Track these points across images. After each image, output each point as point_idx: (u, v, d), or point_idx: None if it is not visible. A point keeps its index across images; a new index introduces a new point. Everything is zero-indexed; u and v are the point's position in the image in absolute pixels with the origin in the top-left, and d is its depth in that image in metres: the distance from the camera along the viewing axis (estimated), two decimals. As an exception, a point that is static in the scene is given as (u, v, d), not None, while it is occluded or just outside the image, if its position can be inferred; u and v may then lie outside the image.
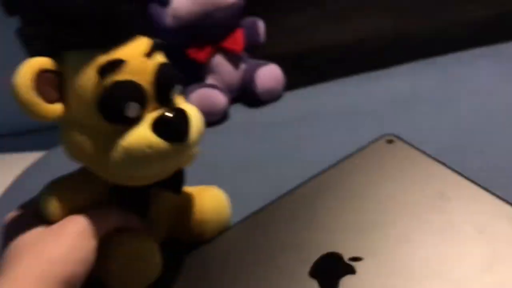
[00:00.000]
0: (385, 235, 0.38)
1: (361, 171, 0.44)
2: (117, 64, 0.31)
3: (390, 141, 0.47)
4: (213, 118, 0.62)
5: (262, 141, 0.58)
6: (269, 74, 0.65)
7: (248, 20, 0.68)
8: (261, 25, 0.68)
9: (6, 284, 0.30)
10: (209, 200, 0.41)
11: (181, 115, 0.32)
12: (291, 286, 0.35)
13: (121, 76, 0.31)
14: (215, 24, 0.62)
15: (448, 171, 0.42)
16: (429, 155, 0.44)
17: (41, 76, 0.30)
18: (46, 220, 0.34)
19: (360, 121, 0.56)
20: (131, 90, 0.31)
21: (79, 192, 0.35)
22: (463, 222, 0.37)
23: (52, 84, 0.31)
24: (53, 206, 0.33)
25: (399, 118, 0.55)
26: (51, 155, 0.66)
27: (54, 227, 0.33)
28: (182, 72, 0.35)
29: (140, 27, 0.33)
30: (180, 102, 0.35)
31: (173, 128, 0.32)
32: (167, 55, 0.35)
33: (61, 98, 0.32)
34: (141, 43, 0.33)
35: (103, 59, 0.31)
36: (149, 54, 0.32)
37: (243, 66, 0.67)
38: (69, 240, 0.32)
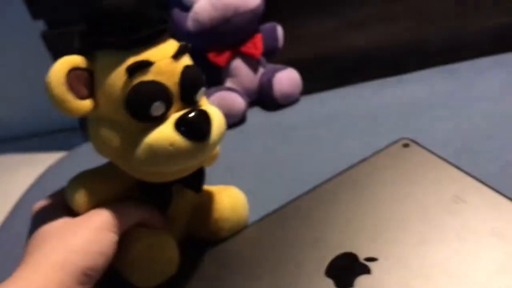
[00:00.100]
0: (400, 237, 0.38)
1: (377, 174, 0.45)
2: (145, 65, 0.32)
3: (406, 145, 0.47)
4: (232, 121, 0.63)
5: (279, 143, 0.59)
6: (287, 79, 0.66)
7: (267, 25, 0.69)
8: (279, 30, 0.69)
9: (27, 269, 0.31)
10: (228, 198, 0.42)
11: (203, 116, 0.33)
12: (307, 285, 0.36)
13: (148, 76, 0.32)
14: (235, 29, 0.63)
15: (463, 175, 0.42)
16: (444, 159, 0.45)
17: (73, 73, 0.32)
18: (72, 210, 0.35)
19: (377, 126, 0.57)
20: (157, 90, 0.32)
21: (105, 184, 0.36)
22: (478, 225, 0.37)
23: (83, 81, 0.33)
24: (79, 196, 0.34)
25: (415, 122, 0.55)
26: (74, 154, 0.67)
27: (78, 219, 0.34)
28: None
29: (169, 31, 0.34)
30: (204, 103, 0.36)
31: (195, 128, 0.33)
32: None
33: (91, 95, 0.33)
34: (169, 46, 0.34)
35: (132, 59, 0.32)
36: (176, 57, 0.33)
37: (261, 70, 0.68)
38: (91, 232, 0.33)
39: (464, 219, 0.38)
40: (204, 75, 0.36)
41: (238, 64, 0.66)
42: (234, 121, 0.64)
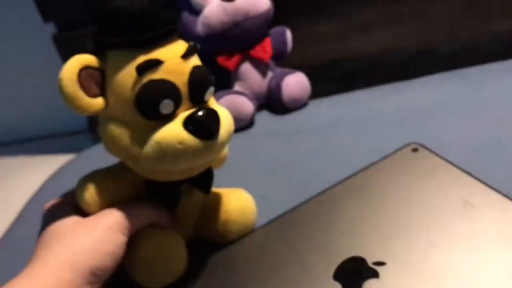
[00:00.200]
0: (408, 241, 0.38)
1: (386, 178, 0.45)
2: (154, 64, 0.32)
3: (415, 150, 0.47)
4: (240, 124, 0.63)
5: (287, 147, 0.58)
6: (295, 83, 0.66)
7: (276, 29, 0.69)
8: (288, 35, 0.69)
9: (36, 267, 0.31)
10: (236, 201, 0.42)
11: (212, 114, 0.34)
12: (315, 289, 0.36)
13: (158, 75, 0.33)
14: (245, 33, 0.63)
15: (472, 180, 0.42)
16: (453, 164, 0.44)
17: (85, 71, 0.32)
18: (82, 210, 0.35)
19: (386, 130, 0.57)
20: (166, 88, 0.33)
21: (115, 184, 0.36)
22: (487, 230, 0.37)
23: (94, 80, 0.33)
24: (89, 195, 0.35)
25: (424, 127, 0.55)
26: (83, 157, 0.67)
27: (89, 218, 0.34)
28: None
29: (178, 31, 0.35)
30: (213, 103, 0.36)
31: (203, 126, 0.33)
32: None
33: (102, 94, 0.34)
34: (179, 46, 0.34)
35: (142, 58, 0.33)
36: (185, 56, 0.34)
37: (270, 74, 0.68)
38: (100, 233, 0.33)
39: (473, 224, 0.38)
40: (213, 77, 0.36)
41: (247, 68, 0.66)
42: (243, 124, 0.64)
